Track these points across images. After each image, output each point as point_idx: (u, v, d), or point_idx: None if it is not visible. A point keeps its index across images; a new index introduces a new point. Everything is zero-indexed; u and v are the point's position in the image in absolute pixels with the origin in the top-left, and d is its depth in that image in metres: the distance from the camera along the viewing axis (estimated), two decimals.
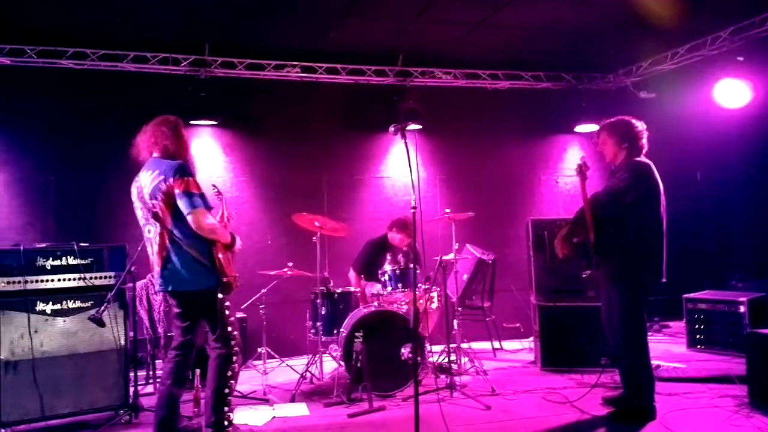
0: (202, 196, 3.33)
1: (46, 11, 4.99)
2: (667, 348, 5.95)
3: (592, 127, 7.05)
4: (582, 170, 3.87)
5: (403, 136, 3.26)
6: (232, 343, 3.43)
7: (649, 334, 4.04)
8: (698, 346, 5.67)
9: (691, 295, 5.81)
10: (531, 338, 6.03)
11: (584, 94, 7.02)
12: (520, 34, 5.86)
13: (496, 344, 6.20)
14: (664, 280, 3.87)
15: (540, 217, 6.03)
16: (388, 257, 5.34)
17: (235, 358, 3.44)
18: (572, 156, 7.45)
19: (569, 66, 6.95)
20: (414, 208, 3.18)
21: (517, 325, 6.49)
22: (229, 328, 3.42)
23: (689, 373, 4.75)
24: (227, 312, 3.43)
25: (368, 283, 5.47)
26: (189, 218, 3.25)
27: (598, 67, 6.97)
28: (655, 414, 3.83)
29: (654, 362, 4.12)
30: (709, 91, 5.80)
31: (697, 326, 5.70)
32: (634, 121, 3.94)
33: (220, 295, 3.38)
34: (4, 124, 5.66)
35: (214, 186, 4.16)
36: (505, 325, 6.47)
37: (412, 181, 3.13)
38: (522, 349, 6.19)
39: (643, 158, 3.90)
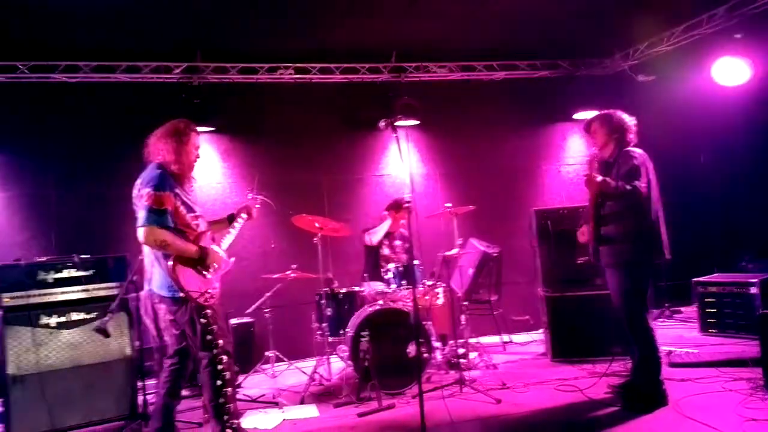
0: (161, 212, 3.26)
1: (37, 26, 4.98)
2: (679, 333, 5.89)
3: (591, 114, 6.98)
4: (592, 164, 3.92)
5: (394, 131, 3.23)
6: (215, 351, 3.37)
7: (660, 320, 4.04)
8: (710, 330, 5.60)
9: (701, 278, 5.76)
10: (540, 330, 5.97)
11: (582, 80, 6.95)
12: (514, 22, 5.78)
13: (506, 338, 6.16)
14: (668, 257, 3.89)
15: (544, 206, 5.97)
16: (386, 242, 5.33)
17: (220, 366, 3.37)
18: (573, 144, 7.40)
19: (565, 53, 6.87)
20: (408, 202, 3.15)
21: (527, 317, 6.44)
22: (209, 336, 3.36)
23: (702, 358, 4.70)
24: (204, 320, 3.35)
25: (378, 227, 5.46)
26: (138, 232, 3.26)
27: (595, 52, 6.89)
28: (667, 399, 3.80)
29: (666, 348, 4.09)
30: (708, 70, 5.72)
31: (708, 310, 5.64)
32: (625, 114, 4.10)
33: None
34: (1, 144, 5.66)
35: (249, 194, 4.15)
36: (513, 317, 6.42)
37: (409, 175, 3.10)
38: (532, 341, 6.15)
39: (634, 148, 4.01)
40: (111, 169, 3.59)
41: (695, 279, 5.77)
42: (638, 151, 3.96)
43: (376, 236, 5.41)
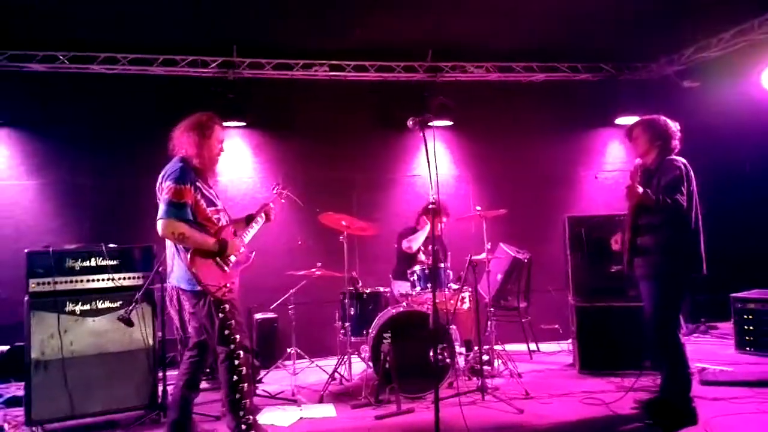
0: (181, 205, 3.25)
1: (77, 18, 5.08)
2: (713, 350, 5.66)
3: (633, 120, 6.75)
4: (635, 174, 3.77)
5: (422, 130, 3.15)
6: (232, 346, 3.35)
7: (695, 335, 3.89)
8: (747, 348, 5.38)
9: (740, 294, 5.53)
10: (569, 340, 5.80)
11: (625, 84, 6.74)
12: (555, 23, 5.63)
13: (533, 346, 6.01)
14: (705, 272, 3.75)
15: (579, 214, 5.80)
16: (422, 248, 5.25)
17: (237, 361, 3.35)
18: (613, 150, 7.18)
19: (608, 56, 6.67)
20: (433, 203, 3.07)
21: (556, 326, 6.27)
22: (227, 331, 3.34)
23: (737, 377, 4.52)
24: (222, 315, 3.33)
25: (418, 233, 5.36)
26: (157, 224, 3.25)
27: (639, 56, 6.67)
28: (697, 418, 3.64)
29: (699, 365, 3.93)
30: (758, 77, 5.47)
31: (746, 327, 5.42)
32: (669, 120, 3.95)
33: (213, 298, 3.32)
34: (39, 131, 5.83)
35: (274, 188, 4.14)
36: (542, 326, 6.26)
37: (430, 175, 3.02)
38: (560, 351, 5.98)
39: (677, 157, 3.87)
40: (144, 160, 3.62)
41: (733, 294, 5.53)
42: (681, 159, 3.81)
43: (415, 243, 5.34)
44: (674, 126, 3.92)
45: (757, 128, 6.41)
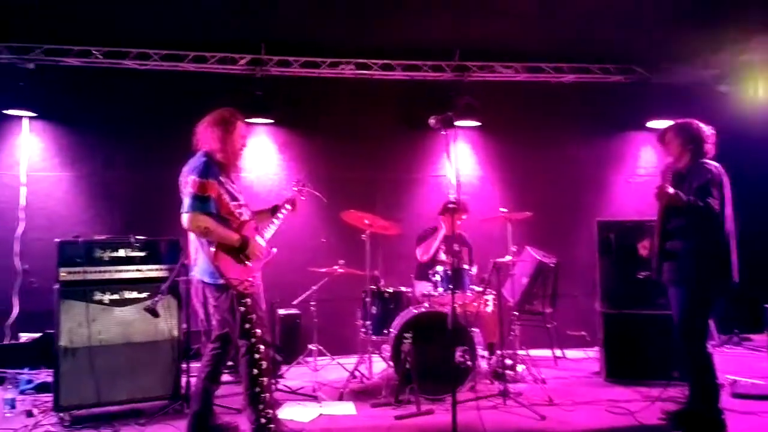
0: (205, 199, 3.29)
1: (112, 13, 5.18)
2: (746, 362, 5.48)
3: (665, 123, 6.60)
4: (665, 175, 3.74)
5: (444, 129, 3.12)
6: (253, 340, 3.37)
7: (727, 346, 3.80)
8: None
9: None
10: (596, 347, 5.68)
11: (657, 87, 6.56)
12: (586, 23, 5.53)
13: (558, 352, 5.91)
14: (736, 279, 3.65)
15: (609, 218, 5.68)
16: (443, 247, 5.22)
17: (257, 355, 3.37)
18: (645, 154, 7.01)
19: (641, 58, 6.52)
20: (453, 203, 3.03)
21: (583, 333, 6.14)
22: (247, 325, 3.37)
23: None
24: (243, 309, 3.36)
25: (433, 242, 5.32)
26: (182, 217, 3.29)
27: (673, 58, 6.50)
28: (726, 430, 3.53)
29: (730, 377, 3.82)
30: None
31: None
32: (702, 124, 3.86)
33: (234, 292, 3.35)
34: (73, 124, 5.97)
35: (295, 184, 4.16)
36: (569, 332, 6.14)
37: (456, 176, 2.99)
38: (586, 358, 5.86)
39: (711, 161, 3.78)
40: (173, 155, 3.67)
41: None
42: (714, 164, 3.71)
43: (427, 253, 5.31)
44: (708, 130, 3.83)
45: None
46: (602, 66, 6.59)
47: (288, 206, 3.92)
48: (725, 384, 3.93)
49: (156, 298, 3.94)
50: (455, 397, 2.91)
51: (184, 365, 4.26)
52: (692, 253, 3.63)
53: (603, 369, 5.05)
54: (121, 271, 4.19)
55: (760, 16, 5.18)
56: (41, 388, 4.58)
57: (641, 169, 6.98)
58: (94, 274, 4.11)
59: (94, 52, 5.73)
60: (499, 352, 5.05)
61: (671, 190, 3.58)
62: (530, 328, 5.74)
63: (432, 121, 3.37)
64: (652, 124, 6.65)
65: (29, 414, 4.10)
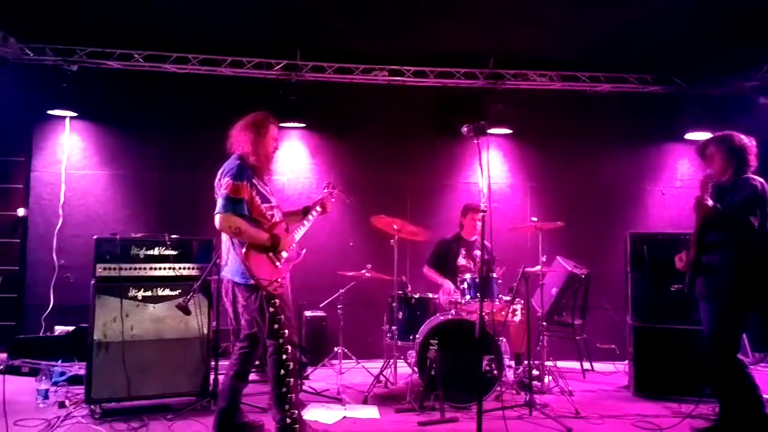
0: (238, 200, 3.35)
1: (151, 18, 5.33)
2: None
3: (704, 136, 6.47)
4: (705, 186, 3.64)
5: (476, 137, 3.12)
6: (281, 341, 3.40)
7: (762, 365, 3.71)
8: None
9: None
10: (626, 361, 5.58)
11: (696, 99, 6.44)
12: (624, 33, 5.47)
13: (587, 365, 5.80)
14: None
15: (643, 230, 5.58)
16: (463, 252, 5.19)
17: (285, 356, 3.40)
18: (682, 167, 6.90)
19: (680, 68, 6.40)
20: (484, 211, 3.02)
21: (612, 346, 6.04)
22: (276, 326, 3.40)
23: None
24: (272, 309, 3.39)
25: (439, 279, 5.30)
26: (215, 218, 3.35)
27: (713, 69, 6.37)
28: None
29: (765, 396, 3.70)
30: None
31: None
32: (743, 136, 3.78)
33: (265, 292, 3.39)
34: (113, 125, 6.15)
35: (325, 187, 4.19)
36: (598, 345, 6.04)
37: (488, 184, 2.98)
38: (615, 372, 5.75)
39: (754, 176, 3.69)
40: (207, 158, 3.77)
41: None
42: (758, 179, 3.62)
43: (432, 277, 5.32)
44: (749, 142, 3.75)
45: None
46: (639, 76, 6.50)
47: (318, 208, 3.95)
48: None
49: (188, 296, 4.01)
50: (481, 406, 2.87)
51: (212, 363, 4.33)
52: (728, 269, 3.56)
53: (632, 383, 4.95)
54: (155, 268, 4.27)
55: None
56: (73, 380, 4.69)
57: (678, 182, 6.86)
58: (129, 270, 4.20)
59: (135, 55, 5.90)
60: (526, 362, 5.00)
61: (710, 202, 3.51)
62: (558, 339, 5.66)
63: (464, 129, 3.36)
64: (690, 135, 6.52)
65: (61, 405, 4.21)
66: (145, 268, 4.25)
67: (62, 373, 4.80)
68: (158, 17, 5.29)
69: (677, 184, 6.84)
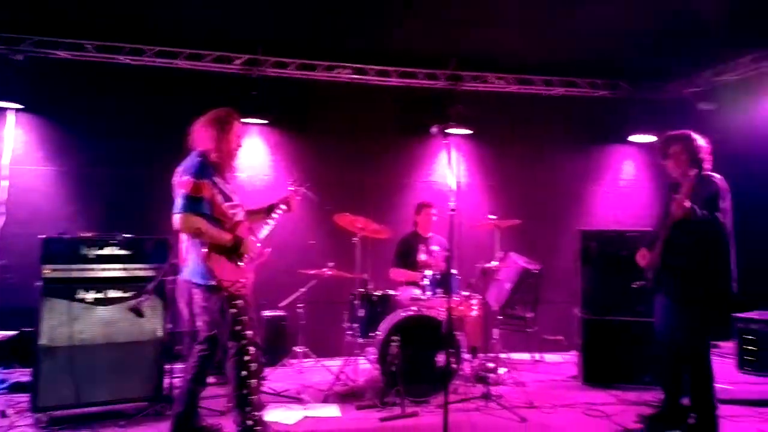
0: (198, 199, 3.27)
1: (104, 6, 5.10)
2: (715, 368, 5.59)
3: (647, 138, 6.79)
4: (687, 188, 3.65)
5: (445, 137, 3.16)
6: (243, 342, 3.36)
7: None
8: (746, 368, 5.38)
9: (743, 314, 5.52)
10: (573, 352, 5.80)
11: (641, 103, 6.73)
12: (576, 39, 5.65)
13: (537, 356, 6.00)
14: (735, 291, 3.72)
15: (591, 227, 5.80)
16: (422, 248, 5.28)
17: (247, 357, 3.36)
18: (627, 167, 7.22)
19: (626, 74, 6.68)
20: (453, 210, 3.08)
21: (560, 337, 6.27)
22: (238, 327, 3.35)
23: (736, 395, 4.50)
24: (234, 310, 3.34)
25: (413, 273, 5.35)
26: (174, 218, 3.27)
27: (657, 75, 6.68)
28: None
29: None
30: None
31: (747, 347, 5.42)
32: (698, 136, 3.88)
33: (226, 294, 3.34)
34: (59, 118, 5.85)
35: (290, 184, 4.13)
36: (547, 337, 6.26)
37: (452, 184, 3.04)
38: (563, 362, 5.99)
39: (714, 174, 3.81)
40: (163, 154, 3.64)
41: (736, 314, 5.52)
42: (718, 176, 3.74)
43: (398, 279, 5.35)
44: (704, 141, 3.85)
45: None
46: (590, 80, 6.73)
47: (283, 206, 3.91)
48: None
49: (141, 298, 3.89)
50: (447, 399, 2.95)
51: (167, 366, 4.22)
52: (700, 272, 3.64)
53: (581, 373, 5.16)
54: (106, 269, 4.11)
55: (739, 37, 5.34)
56: (15, 387, 4.47)
57: (622, 181, 7.16)
58: (79, 271, 4.04)
59: (86, 45, 5.63)
60: (481, 355, 5.13)
61: (688, 203, 3.53)
62: (511, 332, 5.82)
63: (434, 129, 3.38)
64: (633, 138, 6.83)
65: (3, 414, 4.00)
66: (95, 269, 4.09)
67: (2, 381, 4.58)
68: (112, 6, 5.07)
69: (621, 183, 7.14)
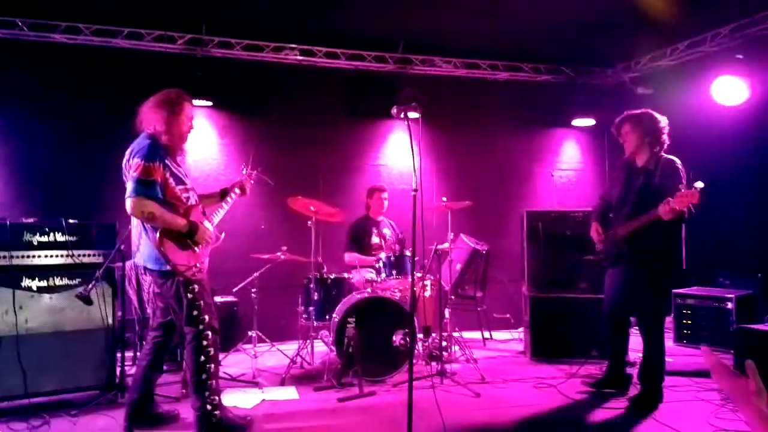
0: (150, 183, 3.19)
1: None
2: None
3: (588, 122, 7.06)
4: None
5: (406, 118, 3.21)
6: (201, 327, 3.33)
7: (634, 328, 4.16)
8: (685, 341, 5.72)
9: (680, 290, 5.85)
10: (521, 329, 6.04)
11: (582, 88, 6.98)
12: (522, 24, 5.79)
13: (486, 334, 6.20)
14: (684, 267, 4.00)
15: (534, 208, 6.01)
16: (375, 231, 5.34)
17: (205, 342, 3.34)
18: (568, 149, 7.47)
19: (569, 59, 6.90)
20: (415, 190, 3.15)
21: (507, 315, 6.50)
22: (195, 312, 3.32)
23: (675, 367, 4.77)
24: (190, 295, 3.31)
25: (367, 258, 5.39)
26: (126, 202, 3.20)
27: (597, 61, 6.94)
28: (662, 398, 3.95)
29: (638, 355, 4.19)
30: (708, 88, 5.74)
31: (684, 321, 5.75)
32: (657, 115, 3.94)
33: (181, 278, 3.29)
34: None
35: (244, 168, 4.07)
36: (495, 315, 6.47)
37: (413, 165, 3.09)
38: (511, 339, 6.21)
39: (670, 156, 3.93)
40: (106, 136, 3.52)
41: (674, 290, 5.86)
42: (677, 160, 3.85)
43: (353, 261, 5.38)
44: (663, 120, 3.91)
45: (704, 138, 6.69)
46: (534, 65, 6.91)
47: (237, 190, 3.86)
48: (636, 361, 4.29)
49: (89, 285, 3.77)
50: (411, 377, 3.02)
51: (118, 354, 4.13)
52: (667, 238, 3.81)
53: (528, 349, 5.36)
54: (50, 256, 3.96)
55: (676, 24, 5.61)
56: None
57: (563, 164, 7.42)
58: (21, 258, 3.86)
59: (18, 23, 5.32)
60: (434, 334, 5.26)
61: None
62: (461, 311, 5.98)
63: (394, 110, 3.42)
64: (576, 122, 7.09)
65: None
66: (39, 256, 3.93)
67: None
68: None
69: (563, 165, 7.41)
